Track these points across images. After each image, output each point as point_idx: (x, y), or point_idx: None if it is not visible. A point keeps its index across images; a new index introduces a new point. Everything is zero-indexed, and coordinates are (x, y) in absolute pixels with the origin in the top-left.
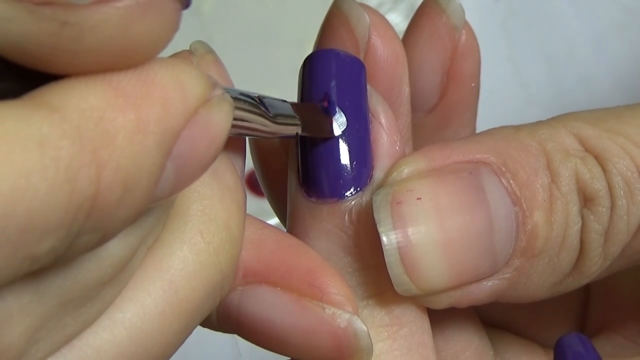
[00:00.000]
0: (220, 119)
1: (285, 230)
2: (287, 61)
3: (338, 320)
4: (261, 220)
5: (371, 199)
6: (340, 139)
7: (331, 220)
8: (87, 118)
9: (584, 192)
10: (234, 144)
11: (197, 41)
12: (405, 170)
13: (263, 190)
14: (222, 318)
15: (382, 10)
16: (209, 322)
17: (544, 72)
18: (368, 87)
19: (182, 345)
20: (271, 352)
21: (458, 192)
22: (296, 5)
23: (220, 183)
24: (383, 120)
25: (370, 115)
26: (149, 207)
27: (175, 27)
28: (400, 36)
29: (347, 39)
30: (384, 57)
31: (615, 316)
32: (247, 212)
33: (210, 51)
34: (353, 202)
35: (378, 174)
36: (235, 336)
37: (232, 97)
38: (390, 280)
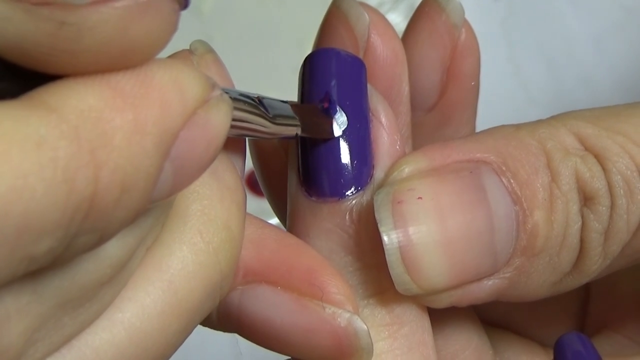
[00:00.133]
0: (218, 120)
1: (285, 230)
2: (287, 61)
3: (338, 319)
4: (261, 220)
5: (372, 198)
6: (340, 138)
7: (332, 219)
8: (85, 118)
9: (584, 191)
10: (233, 143)
11: (197, 40)
12: (406, 169)
13: (263, 190)
14: (223, 317)
15: (382, 10)
16: (209, 322)
17: (544, 72)
18: (368, 86)
19: (181, 345)
20: (272, 351)
21: (459, 192)
22: (296, 5)
23: (220, 183)
24: (383, 120)
25: (370, 114)
26: (147, 207)
27: (173, 27)
28: (400, 36)
29: (346, 38)
30: (384, 56)
31: (615, 315)
32: (247, 211)
33: (210, 50)
34: (354, 202)
35: (379, 173)
36: (236, 335)
37: (231, 97)
38: (391, 279)
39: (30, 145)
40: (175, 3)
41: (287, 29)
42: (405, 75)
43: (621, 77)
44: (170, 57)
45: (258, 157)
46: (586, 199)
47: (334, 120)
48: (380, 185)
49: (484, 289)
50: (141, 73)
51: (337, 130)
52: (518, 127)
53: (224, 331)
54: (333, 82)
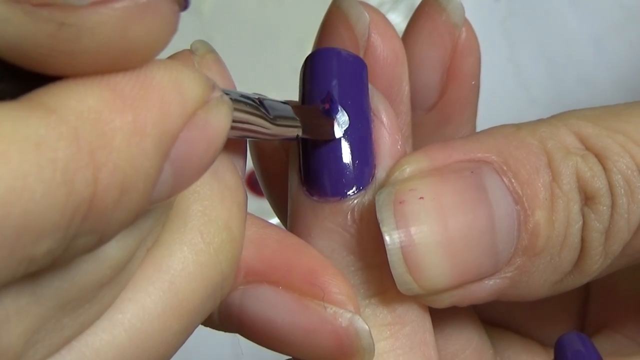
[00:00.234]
0: (218, 121)
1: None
2: (287, 61)
3: (339, 319)
4: (263, 220)
5: (374, 198)
6: (342, 138)
7: (333, 219)
8: (84, 120)
9: (585, 191)
10: (234, 144)
11: (198, 40)
12: (408, 169)
13: (263, 190)
14: (224, 317)
15: (382, 10)
16: (210, 322)
17: (544, 72)
18: (369, 86)
19: (182, 345)
20: (273, 351)
21: (460, 192)
22: (296, 5)
23: (220, 183)
24: (385, 119)
25: (372, 114)
26: (146, 209)
27: (173, 28)
28: (400, 36)
29: (346, 37)
30: (384, 56)
31: (615, 314)
32: (248, 211)
33: (212, 51)
34: (355, 201)
35: (380, 173)
36: (237, 335)
37: (231, 99)
38: (393, 279)
39: (30, 146)
40: (175, 4)
41: (287, 29)
42: (405, 74)
43: (621, 77)
44: (171, 57)
45: (258, 157)
46: (587, 199)
47: (335, 120)
48: (382, 185)
49: (486, 289)
50: (141, 74)
51: (338, 132)
52: (519, 126)
53: (226, 331)
54: (334, 82)
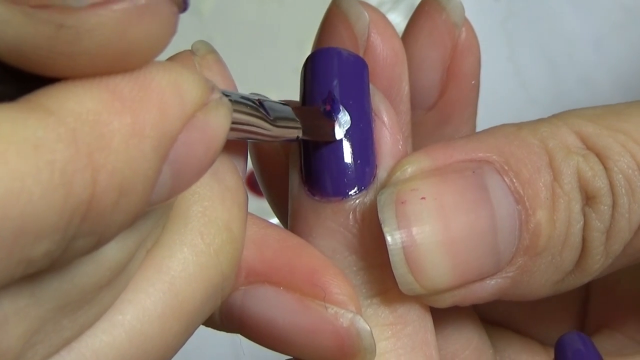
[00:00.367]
0: (218, 123)
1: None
2: (287, 61)
3: (341, 319)
4: (264, 220)
5: (375, 198)
6: (343, 138)
7: (335, 219)
8: (82, 121)
9: (586, 190)
10: (235, 145)
11: (199, 41)
12: (409, 169)
13: (262, 191)
14: (225, 318)
15: (382, 10)
16: (212, 322)
17: (544, 72)
18: (370, 85)
19: (183, 346)
20: (274, 351)
21: (462, 192)
22: (296, 5)
23: (220, 184)
24: (386, 119)
25: (373, 114)
26: (145, 210)
27: (172, 30)
28: (400, 36)
29: (346, 37)
30: (384, 55)
31: (616, 314)
32: (249, 211)
33: (212, 51)
34: (357, 201)
35: (381, 173)
36: (238, 336)
37: (231, 100)
38: (394, 279)
39: (28, 148)
40: (174, 5)
41: (287, 29)
42: (405, 74)
43: (621, 77)
44: (171, 58)
45: (258, 158)
46: (588, 198)
47: (336, 121)
48: (383, 185)
49: (487, 289)
50: (140, 76)
51: (339, 133)
52: (520, 126)
53: (227, 331)
54: (335, 82)
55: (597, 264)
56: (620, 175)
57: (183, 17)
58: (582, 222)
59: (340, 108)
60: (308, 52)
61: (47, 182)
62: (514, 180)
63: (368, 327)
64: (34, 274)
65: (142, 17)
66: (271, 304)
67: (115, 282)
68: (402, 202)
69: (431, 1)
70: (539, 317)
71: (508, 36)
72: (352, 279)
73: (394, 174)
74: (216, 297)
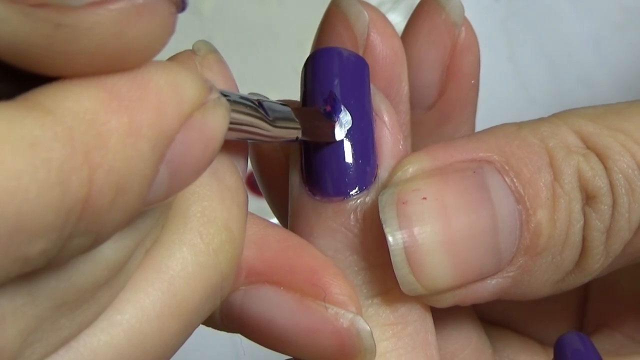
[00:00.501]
0: (215, 123)
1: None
2: (287, 61)
3: (341, 319)
4: (264, 219)
5: (376, 198)
6: (344, 138)
7: (337, 218)
8: (80, 120)
9: (586, 190)
10: (235, 144)
11: (200, 41)
12: (410, 169)
13: (262, 191)
14: (226, 318)
15: (382, 10)
16: (212, 322)
17: (544, 72)
18: (371, 85)
19: (182, 346)
20: (274, 351)
21: (463, 191)
22: (296, 5)
23: (220, 184)
24: (386, 119)
25: (373, 114)
26: (142, 210)
27: (170, 30)
28: (400, 36)
29: (345, 36)
30: (383, 55)
31: (614, 313)
32: (249, 211)
33: (214, 51)
34: (358, 201)
35: (382, 172)
36: (239, 335)
37: (230, 100)
38: (396, 278)
39: (24, 146)
40: (172, 5)
41: (287, 29)
42: (404, 74)
43: (621, 77)
44: (172, 57)
45: (257, 158)
46: (588, 198)
47: (337, 120)
48: (385, 185)
49: (488, 288)
50: (137, 75)
51: (339, 133)
52: (520, 125)
53: (227, 331)
54: (336, 82)
55: (597, 263)
56: (620, 175)
57: (183, 16)
58: (582, 222)
59: (342, 108)
60: (308, 52)
61: (43, 181)
62: (515, 180)
63: (368, 328)
64: (31, 272)
65: (140, 17)
66: (271, 304)
67: (114, 281)
68: (403, 203)
69: (431, 1)
70: (538, 316)
71: (508, 36)
72: (353, 278)
73: (395, 174)
74: (215, 297)
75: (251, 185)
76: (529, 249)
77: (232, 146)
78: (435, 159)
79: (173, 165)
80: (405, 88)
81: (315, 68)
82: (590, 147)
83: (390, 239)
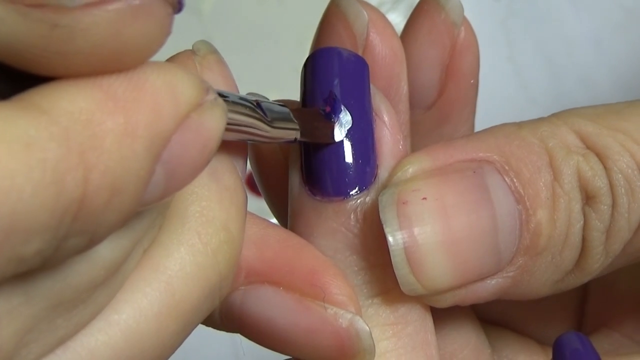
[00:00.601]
0: (212, 124)
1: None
2: (287, 61)
3: (340, 320)
4: (264, 219)
5: (376, 198)
6: (344, 138)
7: (337, 218)
8: (75, 121)
9: (586, 190)
10: (234, 144)
11: (201, 41)
12: (410, 169)
13: (261, 192)
14: (225, 318)
15: (381, 10)
16: (212, 322)
17: (544, 72)
18: (371, 85)
19: (180, 346)
20: (273, 351)
21: (463, 192)
22: (296, 5)
23: (219, 184)
24: (386, 119)
25: (373, 114)
26: (138, 210)
27: (167, 30)
28: (399, 35)
29: (345, 36)
30: (382, 55)
31: (613, 313)
32: (249, 211)
33: (214, 51)
34: (358, 201)
35: (382, 172)
36: (238, 335)
37: (227, 101)
38: (396, 278)
39: (19, 146)
40: (169, 6)
41: (287, 29)
42: (404, 73)
43: (621, 77)
44: (172, 57)
45: (256, 159)
46: (588, 198)
47: (338, 120)
48: (385, 185)
49: (488, 288)
50: (134, 76)
51: (338, 134)
52: (520, 125)
53: (227, 331)
54: (336, 82)
55: (597, 263)
56: (620, 175)
57: (183, 16)
58: (582, 222)
59: (342, 108)
60: (308, 52)
61: (38, 181)
62: (515, 180)
63: (367, 328)
64: (26, 273)
65: (136, 18)
66: (271, 304)
67: (111, 281)
68: (403, 203)
69: (430, 0)
70: (537, 316)
71: (508, 36)
72: (353, 278)
73: (395, 174)
74: (214, 297)
75: (251, 185)
76: (529, 249)
77: (231, 146)
78: (435, 159)
79: (169, 166)
80: (404, 88)
81: (315, 68)
82: (590, 147)
83: (390, 239)
